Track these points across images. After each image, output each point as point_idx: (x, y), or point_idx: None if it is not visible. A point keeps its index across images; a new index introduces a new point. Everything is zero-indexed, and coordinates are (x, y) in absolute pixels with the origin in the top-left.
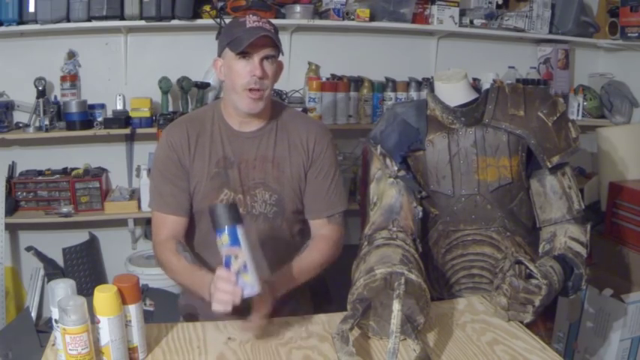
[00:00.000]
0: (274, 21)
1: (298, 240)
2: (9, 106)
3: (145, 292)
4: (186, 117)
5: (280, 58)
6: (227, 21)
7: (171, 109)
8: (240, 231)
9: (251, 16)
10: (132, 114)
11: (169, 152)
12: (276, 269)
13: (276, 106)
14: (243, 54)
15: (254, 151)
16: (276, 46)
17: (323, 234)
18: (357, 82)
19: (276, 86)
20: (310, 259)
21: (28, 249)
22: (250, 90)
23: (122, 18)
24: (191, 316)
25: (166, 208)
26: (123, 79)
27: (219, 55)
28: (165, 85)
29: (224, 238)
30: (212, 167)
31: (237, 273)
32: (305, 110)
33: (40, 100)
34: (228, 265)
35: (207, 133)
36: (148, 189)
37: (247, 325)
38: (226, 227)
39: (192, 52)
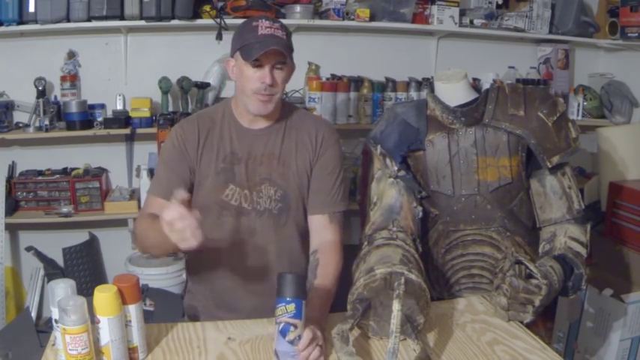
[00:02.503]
0: None
1: (305, 240)
2: (9, 106)
3: (145, 292)
4: (197, 114)
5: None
6: (227, 21)
7: (171, 109)
8: (304, 305)
9: (264, 20)
10: (132, 114)
11: (175, 141)
12: (283, 267)
13: (286, 105)
14: (256, 61)
15: (262, 147)
16: (287, 52)
17: (328, 240)
18: (357, 82)
19: None
20: (331, 274)
21: (28, 249)
22: (260, 94)
23: (122, 18)
24: (196, 317)
25: (158, 191)
26: (123, 79)
27: (232, 55)
28: (165, 85)
29: (289, 307)
30: (219, 163)
31: (291, 341)
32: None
33: (40, 100)
34: (284, 332)
35: (217, 130)
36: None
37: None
38: (295, 299)
39: (192, 52)
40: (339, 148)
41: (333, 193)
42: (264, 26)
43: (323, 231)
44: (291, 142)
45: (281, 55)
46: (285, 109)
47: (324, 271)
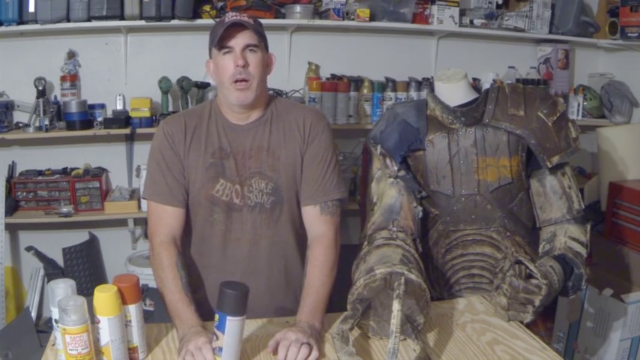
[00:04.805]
0: (274, 21)
1: (301, 234)
2: (9, 106)
3: (145, 292)
4: (184, 111)
5: (280, 57)
6: None
7: (171, 109)
8: (230, 322)
9: (231, 13)
10: (132, 114)
11: (165, 141)
12: (277, 263)
13: (272, 98)
14: (226, 48)
15: (250, 141)
16: (257, 36)
17: (318, 234)
18: (357, 82)
19: (276, 86)
20: (318, 271)
21: (28, 249)
22: (236, 82)
23: (122, 18)
24: None
25: (160, 198)
26: (123, 79)
27: (210, 57)
28: (165, 85)
29: (216, 317)
30: (208, 158)
31: (214, 350)
32: None
33: (40, 100)
34: (211, 340)
35: (204, 126)
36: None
37: None
38: (218, 311)
39: (192, 52)
40: (328, 134)
41: (324, 182)
42: (230, 16)
43: (314, 224)
44: (279, 134)
45: (250, 35)
46: (272, 102)
47: (312, 270)
